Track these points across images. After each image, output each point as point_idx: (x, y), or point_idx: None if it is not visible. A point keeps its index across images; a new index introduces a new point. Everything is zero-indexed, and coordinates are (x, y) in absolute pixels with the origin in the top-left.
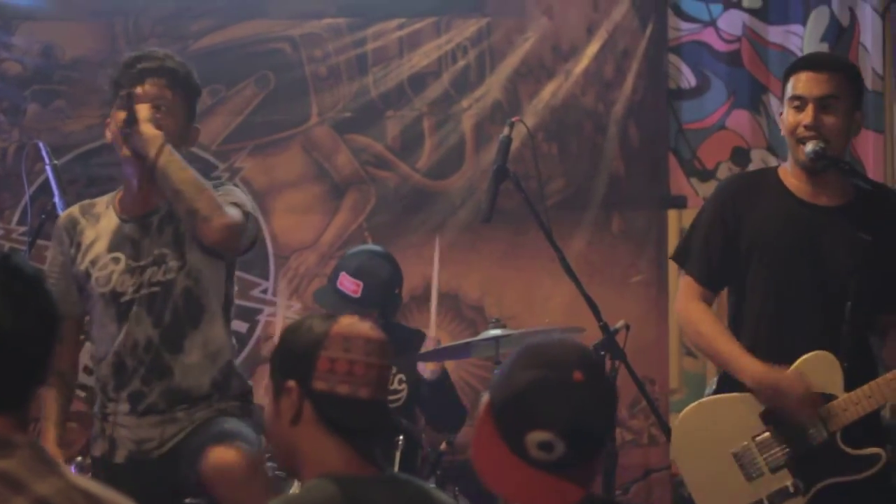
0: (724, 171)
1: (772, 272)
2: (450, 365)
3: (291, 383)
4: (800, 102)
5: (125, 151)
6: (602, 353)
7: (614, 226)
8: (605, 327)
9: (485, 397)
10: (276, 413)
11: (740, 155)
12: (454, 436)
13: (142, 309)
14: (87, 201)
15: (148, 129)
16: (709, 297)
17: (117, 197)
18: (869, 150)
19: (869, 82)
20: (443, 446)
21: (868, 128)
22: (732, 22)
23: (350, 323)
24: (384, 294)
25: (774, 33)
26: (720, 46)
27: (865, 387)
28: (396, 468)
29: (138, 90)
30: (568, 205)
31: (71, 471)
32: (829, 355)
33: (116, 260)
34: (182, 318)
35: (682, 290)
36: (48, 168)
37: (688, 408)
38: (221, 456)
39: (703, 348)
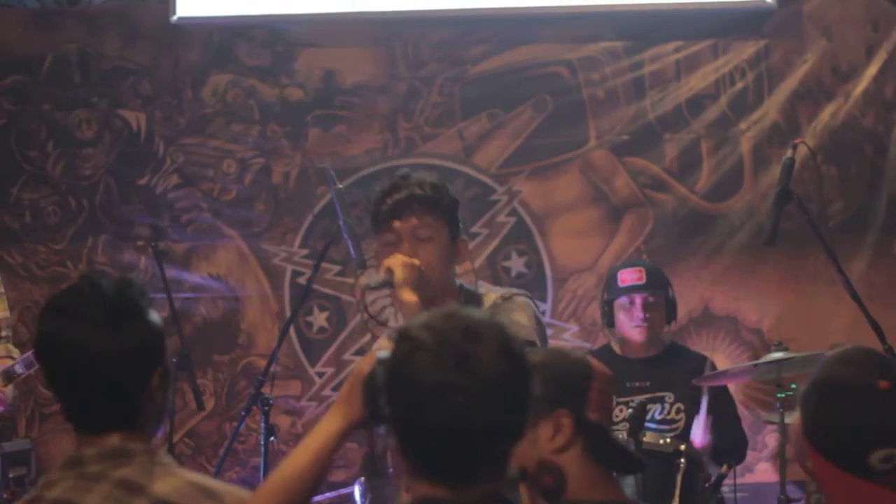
0: None
1: None
2: (731, 388)
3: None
4: None
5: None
6: None
7: (895, 248)
8: (889, 350)
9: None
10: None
11: None
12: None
13: None
14: None
15: (406, 294)
16: None
17: None
18: None
19: None
20: (724, 469)
21: None
22: None
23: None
24: (662, 278)
25: None
26: None
27: None
28: (678, 490)
29: (396, 224)
30: (847, 227)
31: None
32: None
33: None
34: None
35: None
36: (333, 192)
37: None
38: None
39: None
